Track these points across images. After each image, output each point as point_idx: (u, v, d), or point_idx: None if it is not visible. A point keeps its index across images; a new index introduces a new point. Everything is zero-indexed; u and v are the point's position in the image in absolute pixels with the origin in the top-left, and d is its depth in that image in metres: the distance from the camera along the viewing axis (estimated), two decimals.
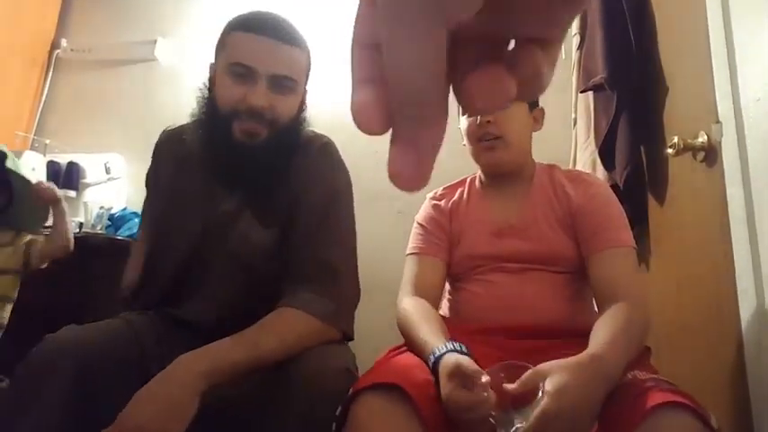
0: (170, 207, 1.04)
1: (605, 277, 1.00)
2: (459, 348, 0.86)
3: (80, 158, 2.68)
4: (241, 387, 0.87)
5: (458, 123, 1.22)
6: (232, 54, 0.99)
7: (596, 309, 1.04)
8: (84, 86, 2.88)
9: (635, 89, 1.49)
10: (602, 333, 0.88)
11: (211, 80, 1.05)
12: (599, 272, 1.02)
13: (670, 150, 1.19)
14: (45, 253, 1.74)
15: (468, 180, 1.27)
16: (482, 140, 1.14)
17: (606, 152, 1.54)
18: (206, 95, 1.04)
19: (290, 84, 1.01)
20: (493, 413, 0.75)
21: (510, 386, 0.77)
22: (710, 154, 1.13)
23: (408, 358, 0.94)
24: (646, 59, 1.48)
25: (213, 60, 1.05)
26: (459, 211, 1.20)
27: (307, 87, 1.09)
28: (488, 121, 1.12)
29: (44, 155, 2.60)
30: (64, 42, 2.90)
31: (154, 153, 1.15)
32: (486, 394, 0.76)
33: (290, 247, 1.02)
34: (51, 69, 2.89)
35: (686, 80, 1.31)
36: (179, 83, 2.74)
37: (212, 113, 1.01)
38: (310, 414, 0.81)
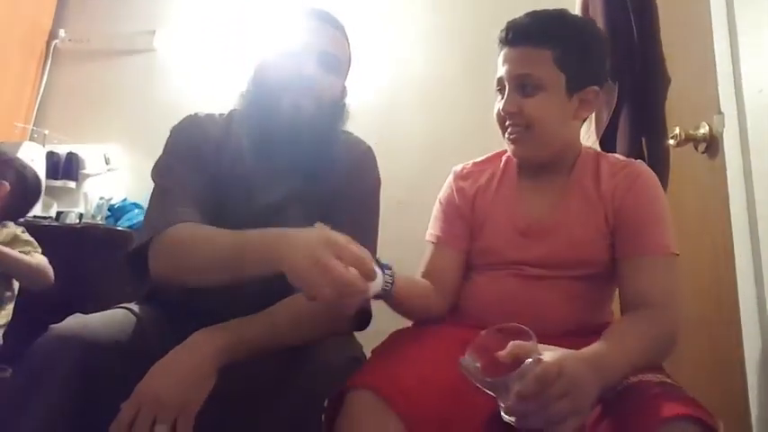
0: (215, 191, 1.03)
1: (637, 286, 0.90)
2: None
3: (79, 149, 2.68)
4: (249, 374, 0.87)
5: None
6: (285, 35, 1.05)
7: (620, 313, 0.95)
8: (82, 77, 2.87)
9: (637, 80, 1.48)
10: (612, 333, 0.81)
11: (258, 67, 1.08)
12: (631, 279, 0.92)
13: (671, 141, 1.19)
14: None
15: (503, 159, 1.12)
16: (507, 129, 1.02)
17: (607, 143, 1.54)
18: (252, 82, 1.08)
19: (335, 62, 1.06)
20: (488, 379, 0.68)
21: (501, 353, 0.70)
22: (712, 145, 1.13)
23: (401, 350, 0.89)
24: (648, 50, 1.47)
25: (259, 53, 1.10)
26: (485, 197, 1.09)
27: (346, 83, 1.14)
28: (512, 110, 0.99)
29: (43, 145, 2.59)
30: (62, 32, 2.88)
31: (188, 128, 1.10)
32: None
33: None
34: (50, 60, 2.87)
35: (688, 71, 1.31)
36: (178, 73, 2.73)
37: (261, 90, 1.05)
38: (319, 403, 0.82)
